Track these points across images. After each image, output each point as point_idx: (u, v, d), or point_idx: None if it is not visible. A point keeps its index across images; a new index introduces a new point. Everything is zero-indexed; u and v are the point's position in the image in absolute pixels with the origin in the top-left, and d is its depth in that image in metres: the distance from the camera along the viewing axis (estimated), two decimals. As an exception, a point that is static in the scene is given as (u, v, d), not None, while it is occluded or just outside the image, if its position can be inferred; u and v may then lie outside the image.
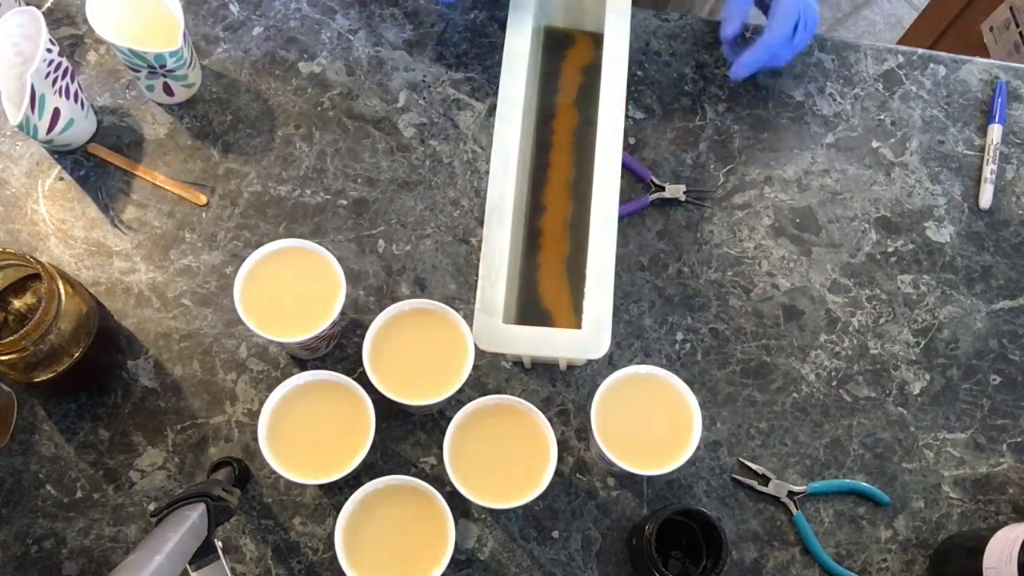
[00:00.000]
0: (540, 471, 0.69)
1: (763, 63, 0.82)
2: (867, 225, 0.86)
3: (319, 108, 0.88)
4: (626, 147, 0.87)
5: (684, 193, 0.85)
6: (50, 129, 0.79)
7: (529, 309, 0.78)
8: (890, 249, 0.85)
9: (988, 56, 1.40)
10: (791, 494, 0.77)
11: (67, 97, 0.80)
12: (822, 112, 0.89)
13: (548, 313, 0.79)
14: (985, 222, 0.86)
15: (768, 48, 0.81)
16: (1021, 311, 0.84)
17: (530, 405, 0.70)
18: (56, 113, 0.79)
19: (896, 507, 0.78)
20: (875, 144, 0.88)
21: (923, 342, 0.82)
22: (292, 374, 0.77)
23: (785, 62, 0.86)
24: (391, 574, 0.67)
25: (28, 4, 0.87)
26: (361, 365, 0.70)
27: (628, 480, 0.77)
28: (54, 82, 0.78)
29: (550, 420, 0.70)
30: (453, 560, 0.67)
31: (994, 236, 0.86)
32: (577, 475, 0.77)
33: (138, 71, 0.81)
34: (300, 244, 0.73)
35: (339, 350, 0.80)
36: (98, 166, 0.85)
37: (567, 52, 0.88)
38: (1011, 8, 1.36)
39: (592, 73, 0.84)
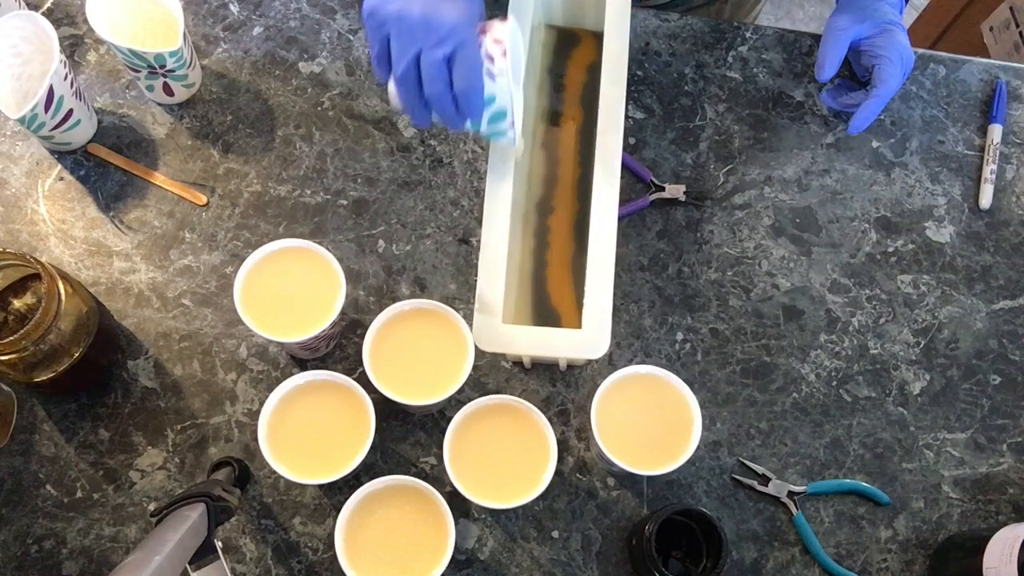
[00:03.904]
0: (540, 471, 0.69)
1: (879, 112, 0.82)
2: (867, 225, 0.86)
3: (319, 108, 0.88)
4: (626, 147, 0.87)
5: (684, 193, 0.85)
6: (56, 126, 0.79)
7: (539, 309, 0.79)
8: (890, 249, 0.85)
9: (988, 56, 1.40)
10: (791, 494, 0.77)
11: (79, 98, 0.81)
12: (822, 112, 0.89)
13: (556, 313, 0.79)
14: (985, 222, 0.86)
15: (884, 101, 0.81)
16: (1021, 311, 0.84)
17: (530, 405, 0.70)
18: (69, 114, 0.80)
19: (896, 507, 0.78)
20: (875, 144, 0.88)
21: (923, 342, 0.82)
22: (292, 374, 0.77)
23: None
24: (391, 574, 0.67)
25: (27, 4, 0.87)
26: (361, 365, 0.70)
27: (628, 480, 0.77)
28: (72, 84, 0.79)
29: (550, 420, 0.70)
30: (453, 560, 0.67)
31: (994, 236, 0.86)
32: (577, 475, 0.77)
33: (138, 71, 0.81)
34: (300, 244, 0.73)
35: (339, 350, 0.80)
36: (98, 166, 0.85)
37: (572, 51, 0.88)
38: (1011, 8, 1.36)
39: (596, 72, 0.85)
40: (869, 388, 0.81)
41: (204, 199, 0.84)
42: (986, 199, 0.86)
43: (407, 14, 0.62)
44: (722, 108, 0.89)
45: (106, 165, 0.85)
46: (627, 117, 0.88)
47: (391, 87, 0.66)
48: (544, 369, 0.80)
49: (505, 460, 0.70)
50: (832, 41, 0.83)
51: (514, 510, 0.76)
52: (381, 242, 0.83)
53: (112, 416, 0.78)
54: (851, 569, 0.76)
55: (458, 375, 0.70)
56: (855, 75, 0.88)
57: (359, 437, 0.69)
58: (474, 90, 0.64)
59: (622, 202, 0.82)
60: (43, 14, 0.84)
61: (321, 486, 0.76)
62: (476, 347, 0.71)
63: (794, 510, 0.77)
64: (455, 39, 0.62)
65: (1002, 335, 0.83)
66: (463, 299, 0.82)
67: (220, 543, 0.63)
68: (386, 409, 0.76)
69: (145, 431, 0.77)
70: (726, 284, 0.83)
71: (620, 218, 0.82)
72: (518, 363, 0.80)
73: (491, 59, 0.64)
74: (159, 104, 0.87)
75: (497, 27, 0.65)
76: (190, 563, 0.60)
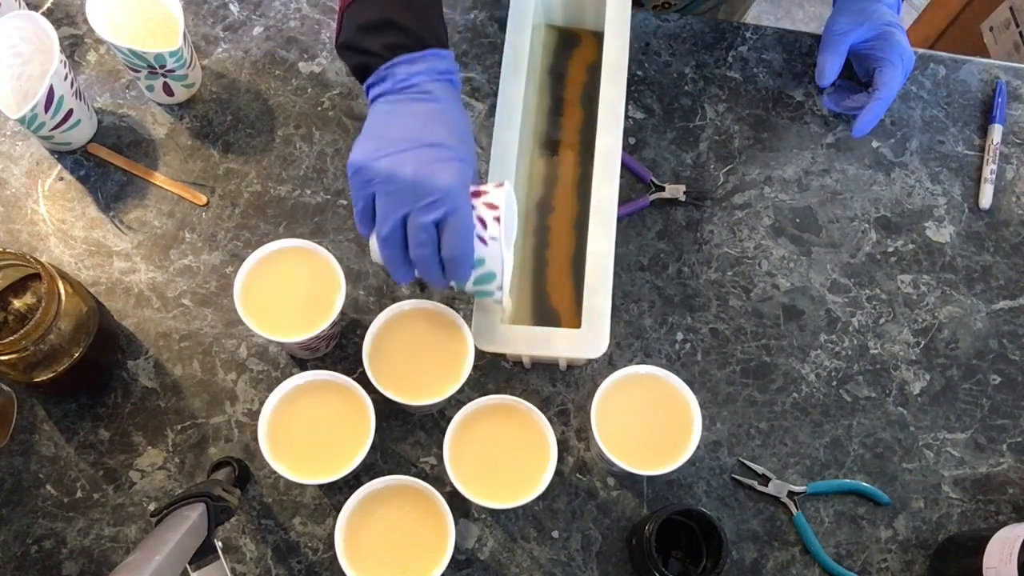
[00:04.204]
0: (540, 471, 0.69)
1: (882, 115, 0.83)
2: (867, 225, 0.86)
3: (319, 108, 0.88)
4: (626, 147, 0.87)
5: (684, 193, 0.85)
6: (56, 126, 0.79)
7: (538, 309, 0.79)
8: (890, 249, 0.85)
9: (988, 56, 1.40)
10: (791, 494, 0.77)
11: (79, 98, 0.80)
12: (822, 112, 0.89)
13: (556, 312, 0.79)
14: (985, 222, 0.86)
15: (887, 104, 0.81)
16: (1021, 311, 0.84)
17: (530, 405, 0.70)
18: (69, 114, 0.80)
19: (896, 507, 0.78)
20: (875, 144, 0.88)
21: (923, 342, 0.82)
22: (292, 374, 0.77)
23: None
24: (391, 574, 0.67)
25: (27, 4, 0.87)
26: (361, 365, 0.70)
27: (628, 480, 0.77)
28: (72, 84, 0.79)
29: (550, 420, 0.70)
30: (453, 560, 0.67)
31: (994, 236, 0.86)
32: (577, 475, 0.77)
33: (138, 71, 0.81)
34: (300, 244, 0.73)
35: (339, 350, 0.80)
36: (98, 166, 0.85)
37: (573, 51, 0.88)
38: (1011, 8, 1.36)
39: (596, 72, 0.85)
40: (869, 388, 0.81)
41: (204, 199, 0.84)
42: (986, 199, 0.86)
43: (397, 175, 0.59)
44: (722, 108, 0.89)
45: (106, 165, 0.85)
46: (627, 117, 0.88)
47: (373, 243, 0.63)
48: (544, 369, 0.80)
49: (505, 460, 0.70)
50: (831, 46, 0.83)
51: (514, 510, 0.76)
52: (381, 242, 0.83)
53: (112, 416, 0.78)
54: (851, 569, 0.76)
55: (458, 375, 0.70)
56: (855, 75, 0.88)
57: (359, 437, 0.69)
58: (463, 256, 0.61)
59: (622, 202, 0.82)
60: (43, 14, 0.84)
61: (321, 486, 0.76)
62: (476, 347, 0.71)
63: (794, 510, 0.77)
64: (447, 204, 0.59)
65: (1002, 335, 0.83)
66: (463, 299, 0.82)
67: (220, 543, 0.63)
68: (386, 409, 0.76)
69: (145, 431, 0.77)
70: (726, 284, 0.83)
71: (620, 218, 0.82)
72: (518, 363, 0.80)
73: (483, 224, 0.61)
74: (159, 104, 0.87)
75: (492, 192, 0.62)
76: (190, 563, 0.60)
